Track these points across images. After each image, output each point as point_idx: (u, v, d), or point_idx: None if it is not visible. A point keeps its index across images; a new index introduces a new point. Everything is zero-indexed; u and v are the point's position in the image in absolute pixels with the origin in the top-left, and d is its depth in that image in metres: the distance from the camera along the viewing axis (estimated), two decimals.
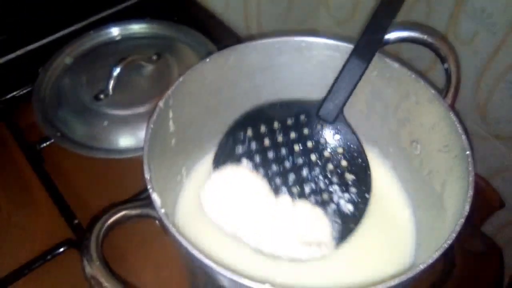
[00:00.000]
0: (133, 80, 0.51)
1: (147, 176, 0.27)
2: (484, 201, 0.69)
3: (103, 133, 0.47)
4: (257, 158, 0.34)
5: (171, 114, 0.33)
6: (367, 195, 0.33)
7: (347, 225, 0.32)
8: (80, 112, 0.48)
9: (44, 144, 0.48)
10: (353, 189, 0.34)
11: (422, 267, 0.23)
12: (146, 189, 0.28)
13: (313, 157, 0.35)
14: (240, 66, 0.35)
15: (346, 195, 0.34)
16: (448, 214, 0.28)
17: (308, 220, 0.32)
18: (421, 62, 0.72)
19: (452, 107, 0.33)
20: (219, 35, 0.59)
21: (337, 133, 0.35)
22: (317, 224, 0.32)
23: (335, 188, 0.34)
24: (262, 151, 0.35)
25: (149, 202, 0.30)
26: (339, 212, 0.33)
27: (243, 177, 0.33)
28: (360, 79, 0.33)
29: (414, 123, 0.35)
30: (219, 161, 0.35)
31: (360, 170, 0.34)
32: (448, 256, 0.37)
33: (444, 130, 0.31)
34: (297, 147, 0.35)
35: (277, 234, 0.31)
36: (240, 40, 0.60)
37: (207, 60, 0.34)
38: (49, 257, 0.40)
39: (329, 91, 0.34)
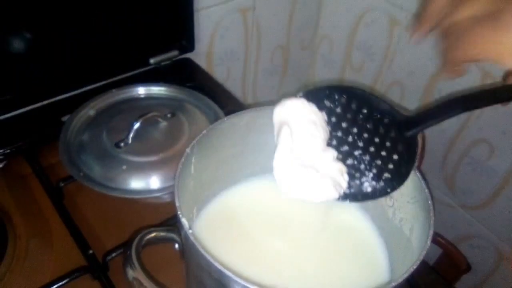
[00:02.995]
0: (149, 133, 0.58)
1: (177, 204, 0.33)
2: (452, 264, 0.76)
3: (120, 176, 0.53)
4: (333, 118, 0.39)
5: (193, 159, 0.40)
6: (394, 186, 0.37)
7: (363, 192, 0.38)
8: (101, 157, 0.55)
9: (66, 183, 0.54)
10: (386, 175, 0.37)
11: (393, 284, 0.30)
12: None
13: (375, 139, 0.38)
14: (251, 126, 0.43)
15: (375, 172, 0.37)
16: (415, 249, 0.35)
17: (336, 166, 0.38)
18: None
19: (418, 168, 0.41)
20: (224, 100, 0.68)
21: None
22: (342, 170, 0.37)
23: (374, 165, 0.38)
24: (339, 116, 0.39)
25: (173, 229, 0.36)
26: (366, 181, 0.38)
27: (311, 116, 0.38)
28: (448, 118, 0.36)
29: None
30: (308, 96, 0.39)
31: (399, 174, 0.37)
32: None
33: (411, 186, 0.39)
34: (361, 127, 0.38)
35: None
36: (242, 106, 0.70)
37: (225, 119, 0.42)
38: (65, 280, 0.44)
39: (421, 114, 0.37)
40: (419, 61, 0.80)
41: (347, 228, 0.45)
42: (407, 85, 0.85)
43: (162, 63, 0.72)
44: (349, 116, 0.39)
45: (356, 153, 0.38)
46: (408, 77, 0.84)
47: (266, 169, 0.49)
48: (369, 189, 0.38)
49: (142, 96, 0.65)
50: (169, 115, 0.61)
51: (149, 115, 0.57)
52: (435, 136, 0.82)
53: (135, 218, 0.52)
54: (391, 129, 0.37)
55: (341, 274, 0.41)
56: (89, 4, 0.61)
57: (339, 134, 0.39)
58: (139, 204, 0.54)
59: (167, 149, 0.56)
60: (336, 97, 0.39)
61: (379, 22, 0.85)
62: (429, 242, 0.33)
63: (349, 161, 0.39)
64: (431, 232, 0.34)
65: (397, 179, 0.37)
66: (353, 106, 0.39)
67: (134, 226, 0.49)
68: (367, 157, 0.38)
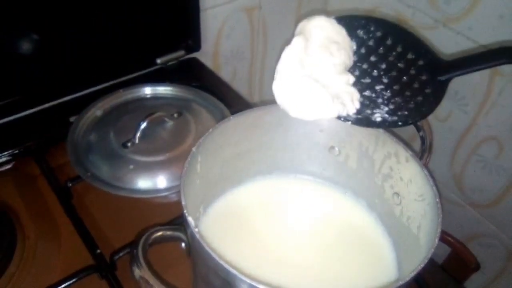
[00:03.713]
0: (156, 133, 0.58)
1: (183, 203, 0.33)
2: (461, 263, 0.75)
3: (128, 176, 0.53)
4: (363, 49, 0.38)
5: (199, 158, 0.40)
6: (407, 121, 0.36)
7: (370, 119, 0.37)
8: (109, 157, 0.55)
9: (74, 183, 0.54)
10: (404, 112, 0.36)
11: (401, 282, 0.29)
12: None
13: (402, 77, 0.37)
14: (257, 124, 0.43)
15: (393, 106, 0.37)
16: (422, 247, 0.35)
17: (349, 90, 0.36)
18: (406, 133, 0.81)
19: (426, 165, 0.41)
20: (230, 100, 0.68)
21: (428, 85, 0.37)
22: (353, 96, 0.36)
23: (393, 99, 0.37)
24: (369, 48, 0.38)
25: (179, 228, 0.36)
26: (378, 110, 0.37)
27: (337, 36, 0.37)
28: (489, 67, 0.36)
29: (395, 178, 0.42)
30: (340, 20, 0.38)
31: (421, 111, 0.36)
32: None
33: (419, 183, 0.39)
34: (390, 64, 0.38)
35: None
36: (249, 105, 0.70)
37: (231, 117, 0.42)
38: (73, 280, 0.45)
39: (460, 59, 0.37)
40: None
41: (355, 226, 0.45)
42: None
43: (169, 63, 0.72)
44: (381, 51, 0.38)
45: (378, 87, 0.37)
46: None
47: (272, 168, 0.49)
48: (378, 119, 0.36)
49: (149, 96, 0.65)
50: (175, 115, 0.61)
51: (156, 115, 0.58)
52: (443, 133, 0.81)
53: (143, 217, 0.52)
54: (424, 71, 0.36)
55: (348, 273, 0.41)
56: (96, 5, 0.62)
57: (365, 66, 0.38)
58: (146, 204, 0.54)
59: (174, 148, 0.56)
60: (372, 29, 0.38)
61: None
62: (437, 241, 0.32)
63: (367, 93, 0.37)
64: (439, 230, 0.33)
65: (413, 116, 0.36)
66: (388, 42, 0.38)
67: (142, 226, 0.49)
68: (388, 93, 0.37)
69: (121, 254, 0.47)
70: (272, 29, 0.87)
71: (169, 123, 0.60)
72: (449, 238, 0.76)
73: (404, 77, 0.37)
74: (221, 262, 0.29)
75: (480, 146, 0.77)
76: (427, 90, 0.36)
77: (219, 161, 0.44)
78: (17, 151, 0.59)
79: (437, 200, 0.36)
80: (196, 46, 0.74)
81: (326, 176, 0.49)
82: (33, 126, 0.63)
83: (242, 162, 0.46)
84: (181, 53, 0.72)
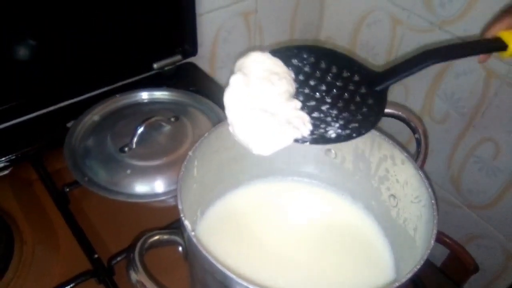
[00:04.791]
0: (153, 137, 0.58)
1: (180, 206, 0.34)
2: (460, 265, 0.75)
3: (125, 180, 0.53)
4: (301, 76, 0.40)
5: (196, 162, 0.40)
6: (360, 132, 0.38)
7: (325, 137, 0.38)
8: (106, 162, 0.55)
9: (71, 188, 0.54)
10: (354, 124, 0.38)
11: (397, 283, 0.29)
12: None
13: (342, 94, 0.39)
14: None
15: (341, 123, 0.38)
16: (419, 248, 0.35)
17: (298, 115, 0.38)
18: (402, 136, 0.82)
19: (421, 167, 0.41)
20: None
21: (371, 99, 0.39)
22: (304, 118, 0.37)
23: (338, 116, 0.38)
24: (306, 74, 0.40)
25: (176, 231, 0.36)
26: (329, 126, 0.38)
27: (275, 68, 0.38)
28: (418, 71, 0.39)
29: (392, 180, 0.43)
30: (275, 53, 0.40)
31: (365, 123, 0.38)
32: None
33: (415, 185, 0.39)
34: (329, 85, 0.40)
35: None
36: None
37: (227, 121, 0.42)
38: (71, 285, 0.45)
39: (391, 69, 0.39)
40: None
41: (352, 228, 0.45)
42: (410, 85, 0.84)
43: (166, 68, 0.72)
44: (317, 74, 0.40)
45: (324, 107, 0.39)
46: (411, 76, 0.83)
47: (269, 171, 0.49)
48: (333, 136, 0.38)
49: (146, 101, 0.66)
50: (172, 119, 0.61)
51: (153, 119, 0.58)
52: (440, 135, 0.81)
53: (140, 222, 0.52)
54: (361, 85, 0.39)
55: (346, 274, 0.41)
56: (93, 11, 0.62)
57: (306, 90, 0.40)
58: (144, 208, 0.54)
59: (171, 152, 0.57)
60: (305, 56, 0.40)
61: (381, 22, 0.84)
62: (432, 242, 0.33)
63: (315, 114, 0.39)
64: (435, 232, 0.34)
65: (364, 127, 0.37)
66: (322, 65, 0.40)
67: (139, 230, 0.48)
68: (334, 111, 0.38)
69: (118, 258, 0.47)
70: (269, 33, 0.88)
71: (166, 128, 0.60)
72: (447, 240, 0.76)
73: (345, 93, 0.39)
74: (218, 266, 0.30)
75: (477, 147, 0.77)
76: (369, 101, 0.38)
77: (216, 165, 0.44)
78: (14, 157, 0.59)
79: (433, 201, 0.36)
80: (193, 51, 0.74)
81: (323, 178, 0.49)
82: (30, 132, 0.63)
83: (238, 166, 0.46)
84: (177, 58, 0.73)
